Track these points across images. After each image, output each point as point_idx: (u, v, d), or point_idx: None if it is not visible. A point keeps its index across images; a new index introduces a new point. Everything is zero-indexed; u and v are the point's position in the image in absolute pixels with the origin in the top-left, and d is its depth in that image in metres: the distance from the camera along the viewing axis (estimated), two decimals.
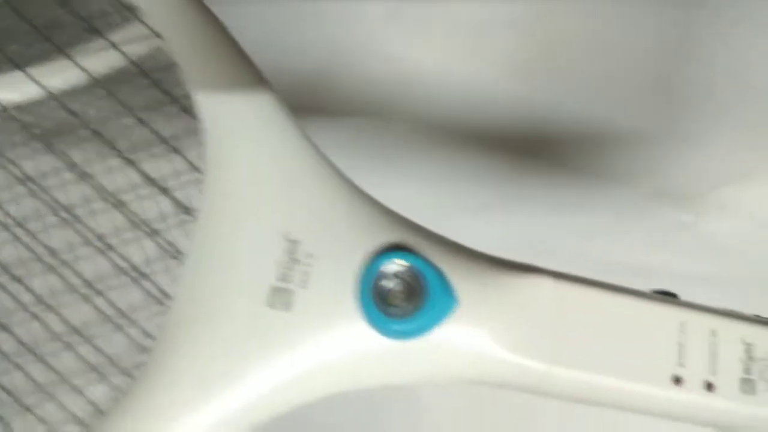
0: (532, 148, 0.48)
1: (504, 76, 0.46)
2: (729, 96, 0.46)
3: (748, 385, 0.25)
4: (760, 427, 0.25)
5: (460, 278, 0.24)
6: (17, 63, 0.26)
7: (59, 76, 0.27)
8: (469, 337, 0.24)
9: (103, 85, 0.26)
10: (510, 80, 0.46)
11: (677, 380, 0.25)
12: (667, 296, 0.26)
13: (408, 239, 0.25)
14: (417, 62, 0.46)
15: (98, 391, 0.25)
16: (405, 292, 0.24)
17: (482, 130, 0.48)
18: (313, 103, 0.47)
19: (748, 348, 0.25)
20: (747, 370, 0.25)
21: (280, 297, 0.24)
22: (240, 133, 0.25)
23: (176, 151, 0.25)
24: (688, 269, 0.48)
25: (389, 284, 0.24)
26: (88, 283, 0.26)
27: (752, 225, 0.48)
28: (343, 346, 0.24)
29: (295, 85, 0.46)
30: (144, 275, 0.25)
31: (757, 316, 0.26)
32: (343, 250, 0.24)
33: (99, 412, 0.24)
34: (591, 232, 0.49)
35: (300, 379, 0.24)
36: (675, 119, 0.47)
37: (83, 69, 0.26)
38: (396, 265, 0.24)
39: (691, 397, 0.25)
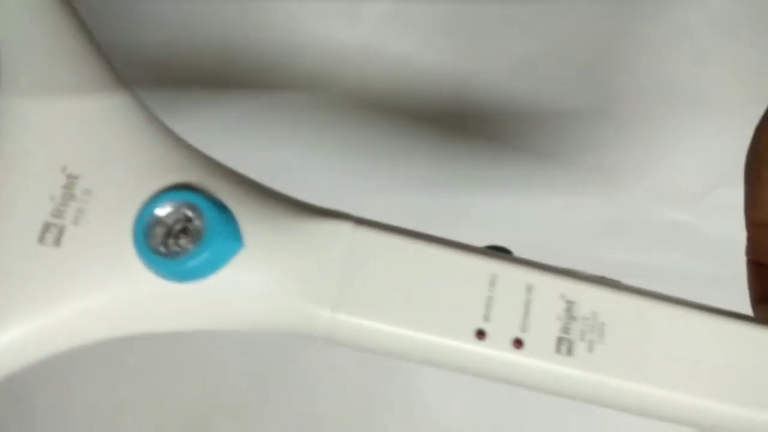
0: (508, 133, 0.48)
1: (458, 57, 0.46)
2: (729, 94, 0.46)
3: (564, 345, 0.23)
4: (584, 393, 0.23)
5: (249, 219, 0.23)
6: None
7: None
8: (254, 280, 0.23)
9: None
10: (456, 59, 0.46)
11: (480, 334, 0.23)
12: (489, 250, 0.25)
13: (197, 178, 0.23)
14: (349, 39, 0.46)
15: None
16: (187, 232, 0.22)
17: (431, 109, 0.47)
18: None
19: (570, 306, 0.23)
20: (565, 329, 0.23)
21: (51, 233, 0.23)
22: (30, 58, 0.24)
23: None
24: (688, 269, 0.48)
25: (170, 224, 0.23)
26: None
27: None
28: (114, 287, 0.23)
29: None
30: None
31: (602, 277, 0.25)
32: (123, 188, 0.23)
33: None
34: (590, 232, 0.49)
35: (66, 320, 0.22)
36: (673, 119, 0.47)
37: None
38: (177, 203, 0.23)
39: (494, 352, 0.23)
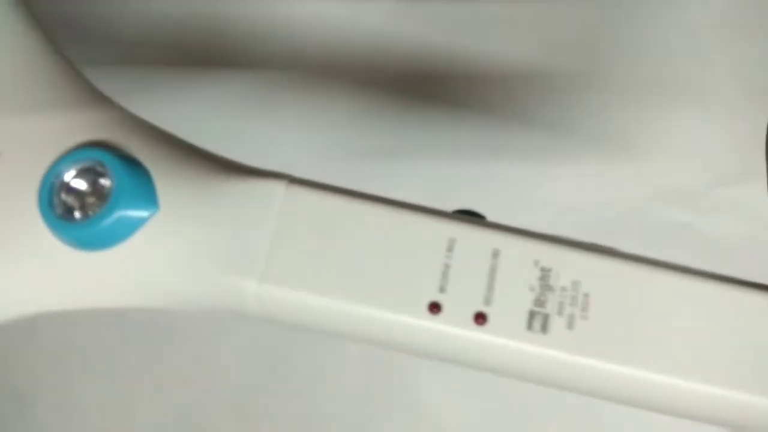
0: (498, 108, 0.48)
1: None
2: (730, 94, 0.46)
3: (538, 320, 0.19)
4: (561, 379, 0.19)
5: (168, 179, 0.20)
6: None
7: None
8: (171, 248, 0.20)
9: None
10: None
11: (434, 307, 0.19)
12: (450, 213, 0.21)
13: (109, 135, 0.21)
14: (312, 8, 0.46)
15: None
16: (96, 195, 0.20)
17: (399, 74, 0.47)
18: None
19: (546, 274, 0.20)
20: (539, 302, 0.19)
21: None
22: None
23: None
24: None
25: (79, 186, 0.20)
26: None
27: (752, 225, 0.47)
28: (19, 255, 0.20)
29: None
30: None
31: (593, 243, 0.21)
32: (32, 148, 0.21)
33: None
34: (590, 231, 0.49)
35: None
36: (674, 118, 0.47)
37: None
38: (85, 162, 0.20)
39: (450, 329, 0.19)
